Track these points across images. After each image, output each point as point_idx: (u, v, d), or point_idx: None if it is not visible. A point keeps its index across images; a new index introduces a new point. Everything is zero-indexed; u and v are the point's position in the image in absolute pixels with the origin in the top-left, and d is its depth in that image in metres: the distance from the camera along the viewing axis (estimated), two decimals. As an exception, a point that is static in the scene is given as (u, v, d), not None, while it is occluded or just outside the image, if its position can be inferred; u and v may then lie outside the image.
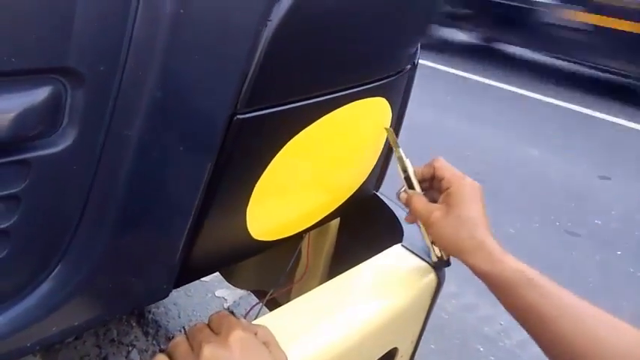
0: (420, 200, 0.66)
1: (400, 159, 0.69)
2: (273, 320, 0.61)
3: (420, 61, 0.81)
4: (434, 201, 0.67)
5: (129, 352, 1.58)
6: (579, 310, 0.54)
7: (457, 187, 0.64)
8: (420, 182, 0.69)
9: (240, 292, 1.84)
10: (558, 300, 0.55)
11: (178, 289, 1.84)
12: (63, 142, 0.40)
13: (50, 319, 0.45)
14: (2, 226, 0.39)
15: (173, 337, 1.61)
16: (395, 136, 0.71)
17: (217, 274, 1.89)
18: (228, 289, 1.85)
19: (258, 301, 1.13)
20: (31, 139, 0.38)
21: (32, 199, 0.40)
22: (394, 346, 0.72)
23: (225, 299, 1.79)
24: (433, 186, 0.69)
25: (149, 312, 1.70)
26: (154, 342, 1.63)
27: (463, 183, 0.64)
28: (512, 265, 0.58)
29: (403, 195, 0.69)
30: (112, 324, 1.64)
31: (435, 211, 0.64)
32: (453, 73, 5.16)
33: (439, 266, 0.72)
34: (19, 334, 0.44)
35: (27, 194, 0.39)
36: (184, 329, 0.54)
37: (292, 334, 0.59)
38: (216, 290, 1.83)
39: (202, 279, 1.89)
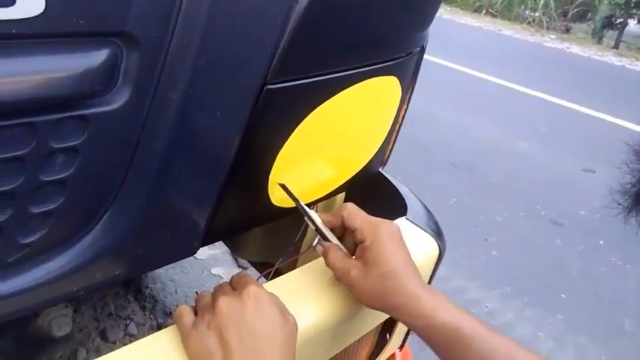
0: (336, 256, 0.60)
1: (304, 211, 0.63)
2: (280, 285, 0.64)
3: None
4: (352, 251, 0.62)
5: (127, 326, 1.61)
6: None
7: (373, 240, 0.58)
8: (332, 231, 0.63)
9: (236, 270, 1.88)
10: (487, 352, 0.53)
11: (174, 266, 1.86)
12: (117, 101, 0.43)
13: (95, 266, 0.49)
14: (61, 176, 0.43)
15: (170, 312, 1.66)
16: (291, 191, 0.64)
17: (214, 252, 1.94)
18: (224, 268, 1.89)
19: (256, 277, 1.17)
20: (89, 97, 0.42)
21: (88, 152, 0.43)
22: (397, 312, 0.77)
23: (222, 277, 1.83)
24: (346, 233, 0.63)
25: (146, 287, 1.74)
26: (151, 316, 1.66)
27: (379, 233, 0.58)
28: (443, 317, 0.54)
29: (319, 248, 0.62)
30: (110, 298, 1.68)
31: (353, 269, 0.58)
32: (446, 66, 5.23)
33: None
34: (67, 279, 0.47)
35: (84, 147, 0.43)
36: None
37: (297, 299, 0.62)
38: (212, 268, 1.87)
39: (198, 257, 1.93)
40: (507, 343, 0.53)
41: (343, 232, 0.63)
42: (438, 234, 0.78)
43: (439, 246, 0.76)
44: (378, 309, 0.58)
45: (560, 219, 2.63)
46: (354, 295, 0.60)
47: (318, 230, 0.63)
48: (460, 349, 0.53)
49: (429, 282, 0.80)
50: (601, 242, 2.46)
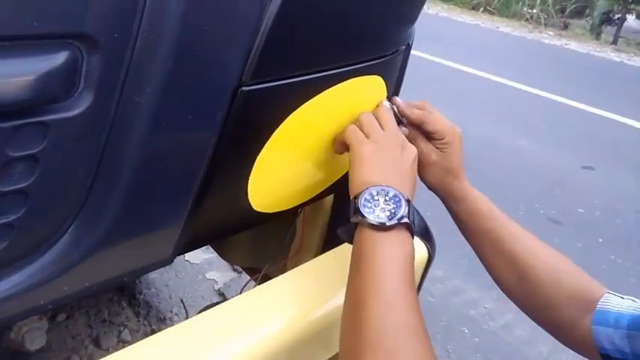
0: (421, 139, 0.72)
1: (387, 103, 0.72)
2: (268, 289, 0.63)
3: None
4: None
5: (120, 332, 1.59)
6: (524, 237, 0.72)
7: (451, 141, 0.72)
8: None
9: (230, 274, 1.86)
10: (511, 228, 0.72)
11: (169, 271, 1.84)
12: (79, 106, 0.41)
13: (62, 278, 0.47)
14: (21, 186, 0.41)
15: (164, 318, 1.63)
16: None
17: (208, 257, 1.92)
18: (219, 272, 1.87)
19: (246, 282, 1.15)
20: (49, 102, 0.40)
21: (49, 160, 0.41)
22: (386, 317, 0.75)
23: (216, 281, 1.81)
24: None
25: (140, 293, 1.72)
26: (145, 322, 1.64)
27: (455, 138, 0.72)
28: (480, 205, 0.73)
29: (404, 130, 0.71)
30: (103, 304, 1.66)
31: (433, 153, 0.72)
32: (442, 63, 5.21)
33: None
34: (33, 293, 0.45)
35: (44, 155, 0.41)
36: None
37: (287, 302, 0.61)
38: (206, 273, 1.85)
39: (192, 261, 1.91)
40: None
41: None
42: (427, 237, 0.76)
43: (428, 250, 0.74)
44: (431, 185, 0.75)
45: (558, 217, 2.60)
46: (421, 172, 0.73)
47: (397, 115, 0.72)
48: (493, 223, 0.71)
49: (419, 286, 0.78)
50: (600, 240, 2.44)
